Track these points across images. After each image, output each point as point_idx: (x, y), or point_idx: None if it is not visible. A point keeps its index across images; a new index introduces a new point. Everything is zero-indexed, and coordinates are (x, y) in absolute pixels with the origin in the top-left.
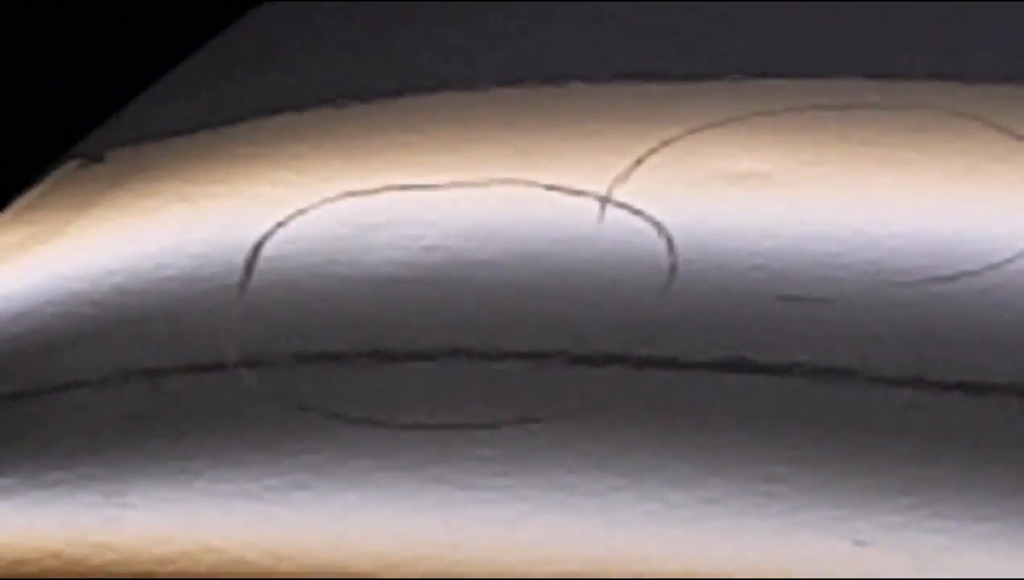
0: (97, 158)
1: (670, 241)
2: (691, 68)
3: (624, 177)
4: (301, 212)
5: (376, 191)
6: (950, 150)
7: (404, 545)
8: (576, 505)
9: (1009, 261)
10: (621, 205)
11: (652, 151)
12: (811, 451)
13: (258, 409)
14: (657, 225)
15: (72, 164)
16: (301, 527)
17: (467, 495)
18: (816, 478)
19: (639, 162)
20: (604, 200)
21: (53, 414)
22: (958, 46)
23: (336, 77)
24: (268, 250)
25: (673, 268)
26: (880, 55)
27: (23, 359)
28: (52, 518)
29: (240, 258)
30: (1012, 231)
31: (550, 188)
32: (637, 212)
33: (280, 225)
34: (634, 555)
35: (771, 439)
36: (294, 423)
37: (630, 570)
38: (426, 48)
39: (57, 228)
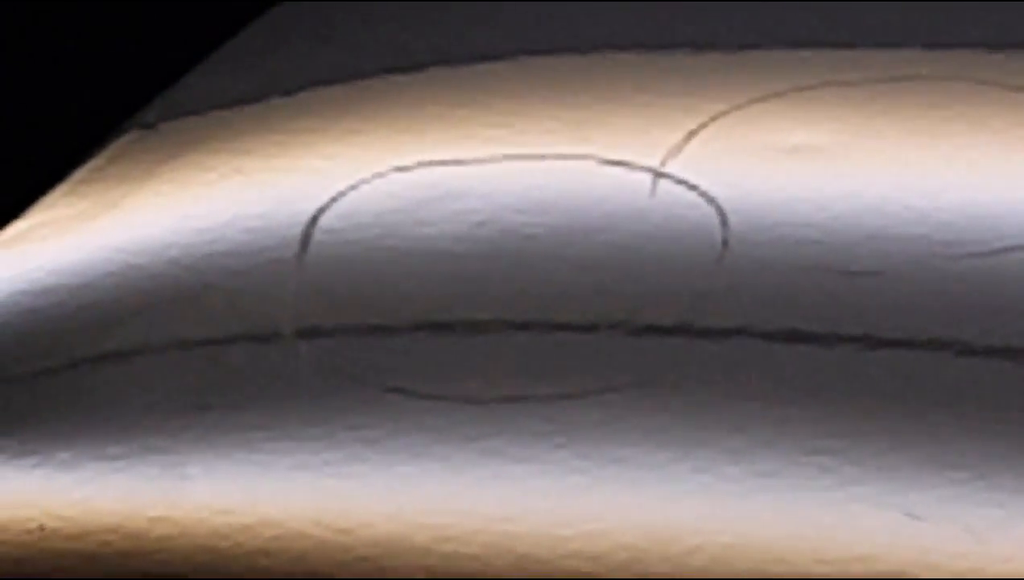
0: (152, 129)
1: (723, 214)
2: (742, 40)
3: (677, 150)
4: (356, 186)
5: (430, 164)
6: (999, 123)
7: (461, 518)
8: (631, 478)
9: None
10: (674, 179)
11: (704, 124)
12: (864, 424)
13: (315, 382)
14: (710, 199)
15: (127, 136)
16: (358, 500)
17: (523, 468)
18: (869, 451)
19: (691, 135)
20: (657, 173)
21: (112, 387)
22: (1002, 18)
23: (388, 51)
24: (324, 223)
25: (725, 241)
26: (931, 27)
27: (83, 332)
28: (112, 491)
29: (296, 232)
30: None
31: (603, 162)
32: (690, 186)
33: (335, 199)
34: (688, 527)
35: (824, 412)
36: (351, 396)
37: (684, 542)
38: (479, 21)
39: (114, 201)
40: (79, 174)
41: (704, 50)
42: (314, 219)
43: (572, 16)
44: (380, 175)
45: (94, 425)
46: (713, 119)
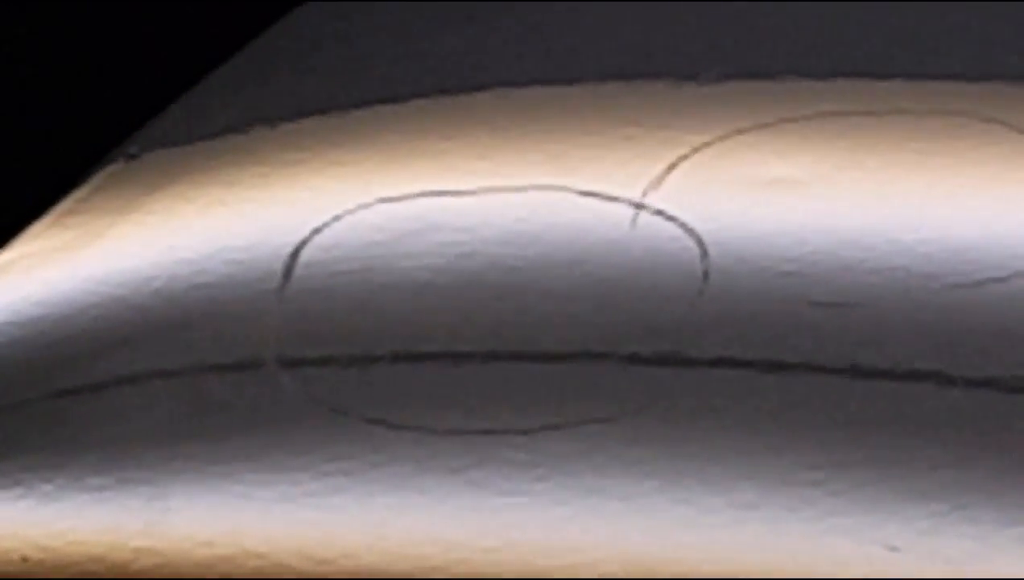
0: (136, 159)
1: (703, 247)
2: (722, 73)
3: (657, 183)
4: (338, 218)
5: (412, 197)
6: (978, 156)
7: (443, 549)
8: (612, 509)
9: None
10: (654, 211)
11: (684, 157)
12: (844, 455)
13: (297, 413)
14: (690, 231)
15: (112, 167)
16: (340, 531)
17: (504, 500)
18: (849, 482)
19: (672, 167)
20: (638, 206)
21: (95, 418)
22: (986, 50)
23: (371, 82)
24: (306, 256)
25: (706, 274)
26: (909, 59)
27: (66, 363)
28: (94, 523)
29: (278, 264)
30: None
31: (584, 194)
32: (670, 218)
33: (317, 231)
34: (670, 558)
35: (804, 443)
36: (333, 428)
37: (666, 572)
38: (460, 51)
39: (98, 232)
40: (63, 205)
41: (685, 81)
42: (296, 251)
43: (557, 47)
44: (362, 207)
45: (77, 456)
46: (694, 151)
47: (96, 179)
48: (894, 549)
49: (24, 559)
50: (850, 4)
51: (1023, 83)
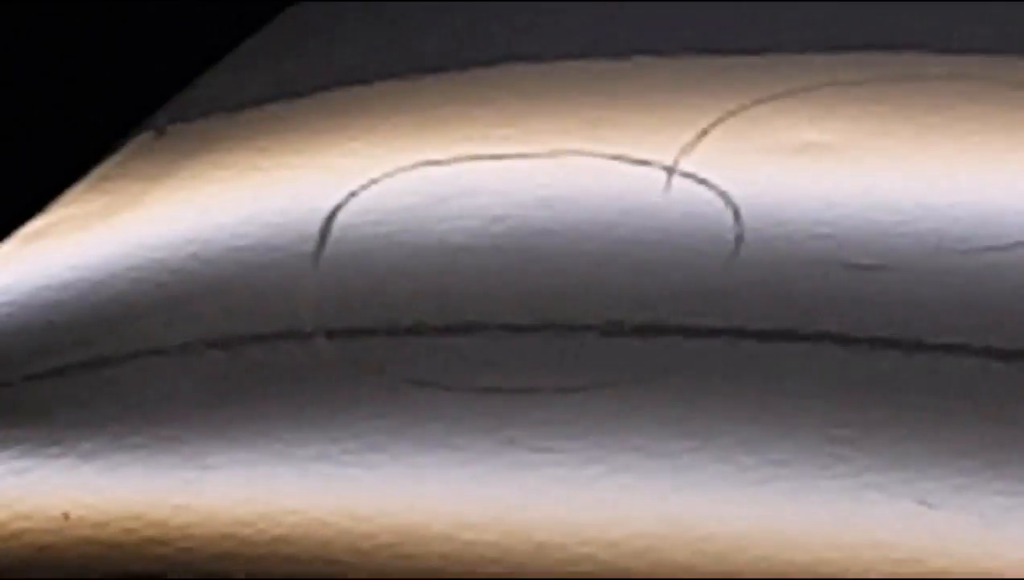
0: (168, 130)
1: (736, 211)
2: (753, 41)
3: (690, 148)
4: (373, 182)
5: (446, 162)
6: (1007, 121)
7: (479, 506)
8: (648, 467)
9: None
10: (688, 175)
11: (717, 122)
12: (877, 415)
13: (334, 375)
14: (723, 195)
15: (146, 135)
16: (377, 489)
17: (540, 457)
18: (882, 441)
19: (705, 133)
20: (671, 170)
21: (134, 379)
22: (1013, 18)
23: (401, 53)
24: (341, 219)
25: (739, 237)
26: (936, 28)
27: (104, 326)
28: (134, 480)
29: (314, 228)
30: None
31: (617, 158)
32: (703, 182)
33: (353, 195)
34: (705, 515)
35: (838, 404)
36: (369, 388)
37: (701, 528)
38: (493, 22)
39: (134, 198)
40: (99, 171)
41: (717, 51)
42: (332, 215)
43: (586, 18)
44: (397, 171)
45: (116, 416)
46: (727, 116)
47: (130, 146)
48: (928, 505)
49: (66, 516)
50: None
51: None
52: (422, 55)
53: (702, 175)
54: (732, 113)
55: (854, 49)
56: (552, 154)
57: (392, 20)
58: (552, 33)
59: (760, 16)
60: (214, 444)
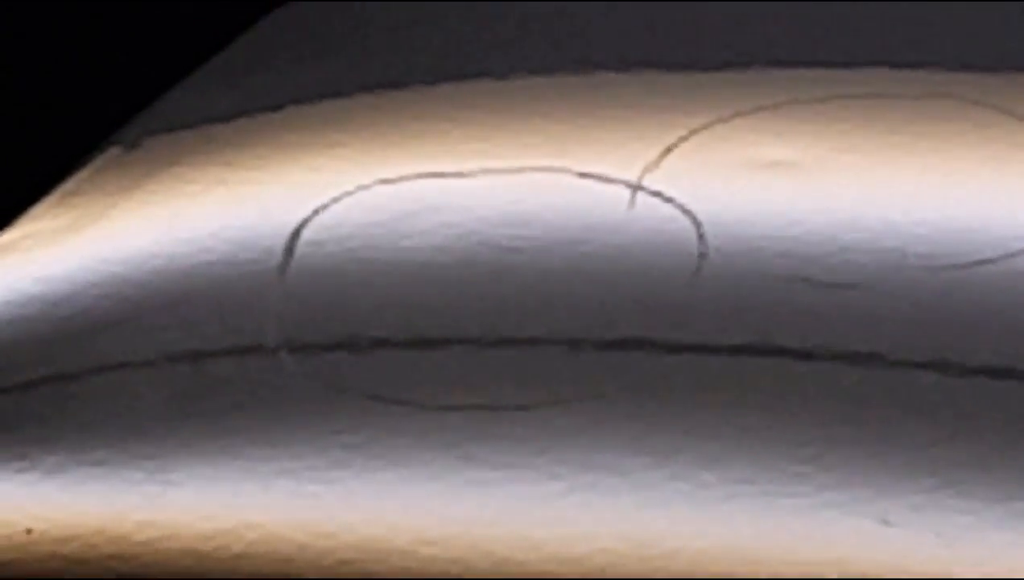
0: (136, 145)
1: (700, 228)
2: (717, 58)
3: (654, 165)
4: (338, 198)
5: (411, 178)
6: (970, 139)
7: (441, 522)
8: (609, 484)
9: None
10: (652, 192)
11: (682, 139)
12: (838, 433)
13: (297, 390)
14: (687, 212)
15: (113, 149)
16: (340, 505)
17: (501, 474)
18: (843, 459)
19: (669, 150)
20: (635, 187)
21: (98, 394)
22: (974, 35)
23: (370, 68)
24: (307, 235)
25: (703, 254)
26: (899, 45)
27: (69, 341)
28: (97, 495)
29: (279, 243)
30: None
31: (582, 175)
32: (667, 199)
33: (318, 211)
34: (665, 532)
35: (799, 421)
36: (332, 404)
37: (661, 546)
38: (456, 39)
39: (99, 213)
40: (65, 186)
41: (681, 68)
42: (297, 231)
43: (551, 35)
44: (362, 188)
45: (80, 431)
46: (691, 133)
47: (97, 161)
48: (887, 523)
49: (29, 531)
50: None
51: (1007, 66)
52: (388, 71)
53: (666, 192)
54: (696, 130)
55: (819, 65)
56: (517, 171)
57: (361, 35)
58: (521, 47)
59: (727, 31)
60: (177, 459)
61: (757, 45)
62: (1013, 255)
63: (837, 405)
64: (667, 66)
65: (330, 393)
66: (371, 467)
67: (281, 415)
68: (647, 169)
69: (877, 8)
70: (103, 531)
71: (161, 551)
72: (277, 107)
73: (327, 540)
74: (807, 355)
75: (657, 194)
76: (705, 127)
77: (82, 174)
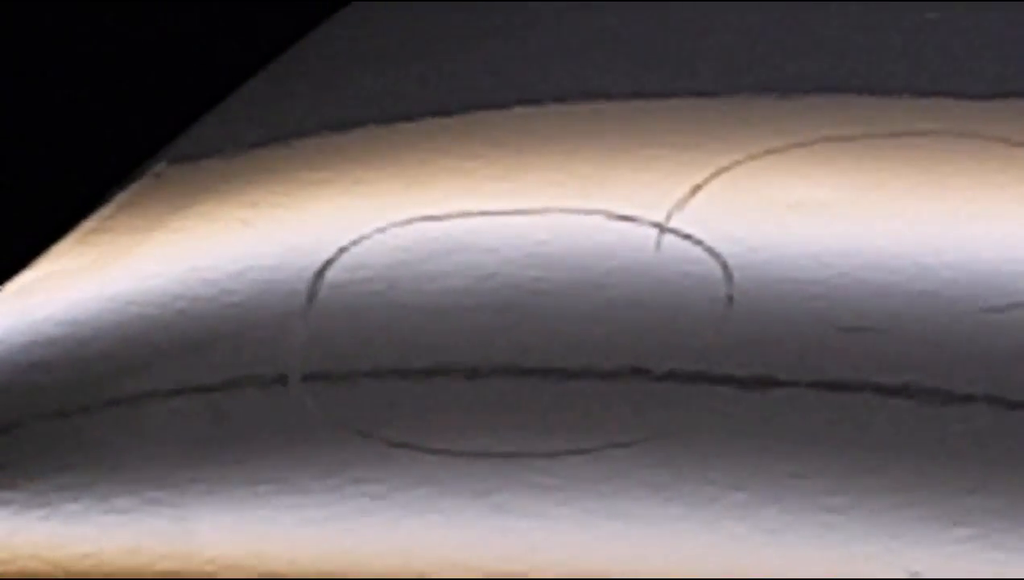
0: (160, 177)
1: (727, 270)
2: (746, 94)
3: (682, 204)
4: (363, 238)
5: (436, 218)
6: (1004, 179)
7: (467, 572)
8: (636, 534)
9: None
10: (679, 233)
11: (709, 178)
12: (867, 481)
13: (322, 436)
14: (715, 254)
15: (136, 185)
16: (365, 555)
17: (529, 523)
18: (872, 509)
19: (696, 189)
20: (662, 228)
21: (120, 438)
22: (1002, 68)
23: (396, 100)
24: (330, 276)
25: (730, 298)
26: (929, 78)
27: (89, 383)
28: (118, 542)
29: (302, 285)
30: None
31: (608, 215)
32: (695, 241)
33: (343, 251)
34: None
35: (828, 469)
36: (358, 451)
37: None
38: (487, 66)
39: (121, 251)
40: (87, 224)
41: (707, 99)
42: (321, 271)
43: (580, 66)
44: (388, 227)
45: (101, 477)
46: (718, 173)
47: (119, 198)
48: (917, 575)
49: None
50: (873, 20)
51: None
52: (414, 104)
53: (694, 233)
54: (725, 169)
55: (848, 102)
56: (543, 211)
57: (388, 67)
58: (545, 80)
59: (752, 68)
60: (201, 507)
61: (785, 78)
62: None
63: (866, 453)
64: (694, 99)
65: (355, 439)
66: (396, 516)
67: (306, 462)
68: (675, 209)
69: (906, 38)
70: (123, 577)
71: None
72: (303, 139)
73: None
74: (834, 401)
75: (685, 236)
76: (734, 165)
77: (104, 211)
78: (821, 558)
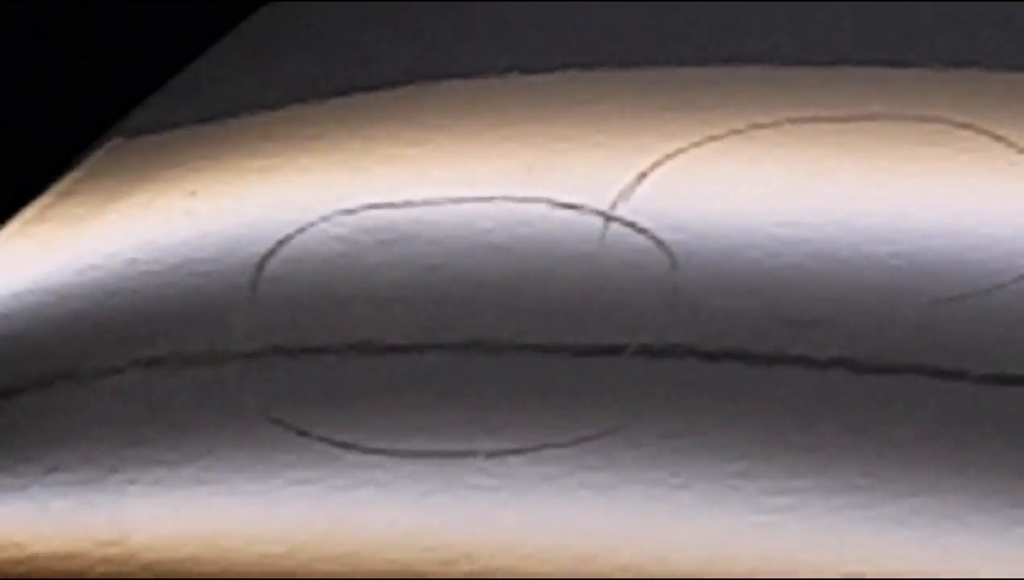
0: (99, 165)
1: (673, 259)
2: (692, 79)
3: (628, 192)
4: (303, 229)
5: (380, 207)
6: (954, 164)
7: (408, 573)
8: (577, 535)
9: (1017, 280)
10: (624, 222)
11: (655, 165)
12: (811, 481)
13: (260, 435)
14: (660, 243)
15: (75, 172)
16: (305, 558)
17: (470, 524)
18: (815, 510)
19: (642, 177)
20: (607, 217)
21: (51, 435)
22: (964, 45)
23: (337, 82)
24: (270, 269)
25: (675, 288)
26: (886, 57)
27: (18, 379)
28: (59, 520)
29: (243, 278)
30: (1018, 250)
31: (554, 205)
32: (640, 230)
33: (282, 243)
34: None
35: (768, 468)
36: (296, 449)
37: None
38: (425, 51)
39: (60, 242)
40: (26, 213)
41: (656, 83)
42: (261, 264)
43: (524, 50)
44: (328, 218)
45: (40, 451)
46: (664, 159)
47: (60, 184)
48: (861, 575)
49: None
50: (824, 3)
51: (992, 86)
52: (357, 86)
53: (639, 222)
54: (671, 156)
55: (794, 87)
56: (488, 199)
57: (328, 47)
58: (492, 62)
59: (700, 52)
60: (137, 505)
61: (732, 65)
62: (998, 288)
63: (810, 453)
64: (646, 82)
65: (294, 438)
66: (335, 516)
67: (244, 462)
68: (620, 197)
69: (855, 26)
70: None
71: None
72: (244, 125)
73: None
74: (778, 396)
75: (630, 225)
76: (680, 152)
77: (44, 199)
78: (766, 559)
